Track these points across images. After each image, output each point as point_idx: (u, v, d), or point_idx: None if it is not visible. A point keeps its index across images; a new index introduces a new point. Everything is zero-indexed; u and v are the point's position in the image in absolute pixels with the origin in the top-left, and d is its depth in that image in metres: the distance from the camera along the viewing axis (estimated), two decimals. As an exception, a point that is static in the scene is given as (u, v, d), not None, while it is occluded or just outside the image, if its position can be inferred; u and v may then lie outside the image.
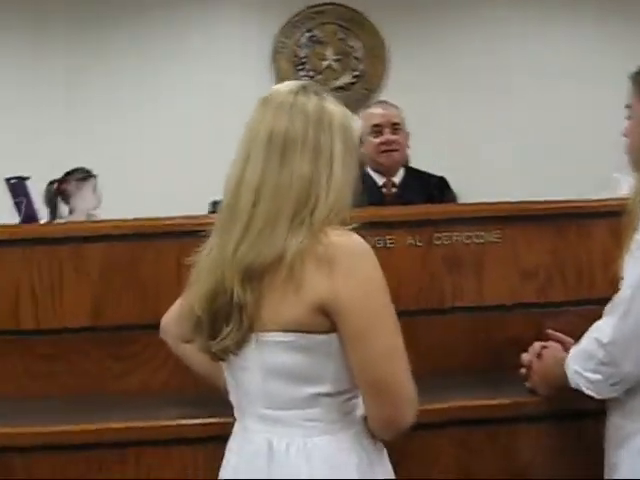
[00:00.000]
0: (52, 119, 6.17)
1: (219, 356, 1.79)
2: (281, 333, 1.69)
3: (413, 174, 3.87)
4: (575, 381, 1.99)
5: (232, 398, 1.85)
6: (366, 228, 2.59)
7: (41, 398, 2.52)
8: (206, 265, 1.78)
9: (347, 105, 1.81)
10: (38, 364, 2.57)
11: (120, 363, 2.57)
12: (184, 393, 2.40)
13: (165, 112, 6.07)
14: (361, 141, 3.81)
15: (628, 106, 2.09)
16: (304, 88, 1.80)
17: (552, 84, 6.09)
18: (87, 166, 4.91)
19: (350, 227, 1.74)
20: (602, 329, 1.93)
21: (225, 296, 1.72)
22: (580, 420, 2.21)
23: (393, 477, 1.86)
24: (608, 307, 1.96)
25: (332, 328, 1.69)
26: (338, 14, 6.24)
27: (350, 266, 1.67)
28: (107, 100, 6.25)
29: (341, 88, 6.24)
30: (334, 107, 1.80)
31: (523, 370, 2.27)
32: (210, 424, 2.11)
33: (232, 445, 1.83)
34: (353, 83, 6.27)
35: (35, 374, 2.57)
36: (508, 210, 2.65)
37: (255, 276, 1.70)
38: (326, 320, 1.68)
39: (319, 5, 6.24)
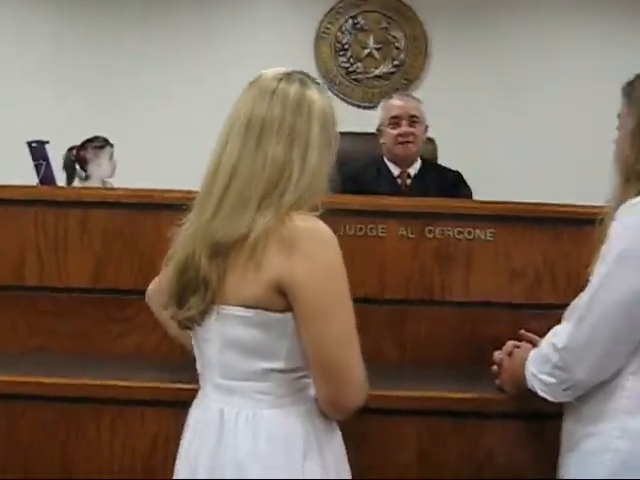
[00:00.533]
0: (77, 92, 6.30)
1: (185, 325, 1.87)
2: (240, 308, 1.77)
3: (430, 167, 3.92)
4: (531, 382, 2.02)
5: (197, 366, 1.93)
6: (359, 215, 2.69)
7: (40, 353, 2.64)
8: (182, 239, 1.86)
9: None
10: (40, 320, 2.68)
11: (117, 325, 2.69)
12: (171, 358, 2.48)
13: (201, 95, 6.10)
14: (379, 131, 3.87)
15: (619, 116, 2.12)
16: (288, 75, 1.86)
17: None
18: (106, 135, 5.05)
19: (317, 213, 1.79)
20: (559, 334, 1.96)
21: (194, 268, 1.80)
22: (542, 421, 2.24)
23: (343, 460, 1.91)
24: (567, 312, 2.00)
25: (288, 308, 1.76)
26: (382, 3, 6.26)
27: (309, 250, 1.73)
28: (139, 84, 6.36)
29: (380, 77, 6.28)
30: (316, 95, 1.84)
31: (495, 368, 2.30)
32: (183, 389, 2.18)
33: (192, 410, 1.92)
34: (392, 73, 6.29)
35: (36, 330, 2.69)
36: (501, 210, 2.69)
37: (221, 252, 1.77)
38: (283, 299, 1.75)
39: (365, -7, 6.28)
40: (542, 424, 2.26)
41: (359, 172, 3.85)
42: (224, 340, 1.81)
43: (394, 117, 3.83)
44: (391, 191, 3.64)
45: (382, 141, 3.87)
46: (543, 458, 2.21)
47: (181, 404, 2.01)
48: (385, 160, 3.86)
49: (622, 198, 1.97)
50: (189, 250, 1.82)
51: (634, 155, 1.98)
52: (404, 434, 2.30)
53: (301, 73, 1.89)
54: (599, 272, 1.91)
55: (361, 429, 2.21)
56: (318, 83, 1.91)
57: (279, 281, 1.73)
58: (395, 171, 3.84)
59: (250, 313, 1.76)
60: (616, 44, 6.15)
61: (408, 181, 3.84)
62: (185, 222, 1.88)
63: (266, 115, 1.80)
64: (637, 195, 1.93)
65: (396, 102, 3.91)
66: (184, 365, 2.04)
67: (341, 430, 1.96)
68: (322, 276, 1.74)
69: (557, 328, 1.99)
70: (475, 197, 3.82)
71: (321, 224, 1.77)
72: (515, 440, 2.31)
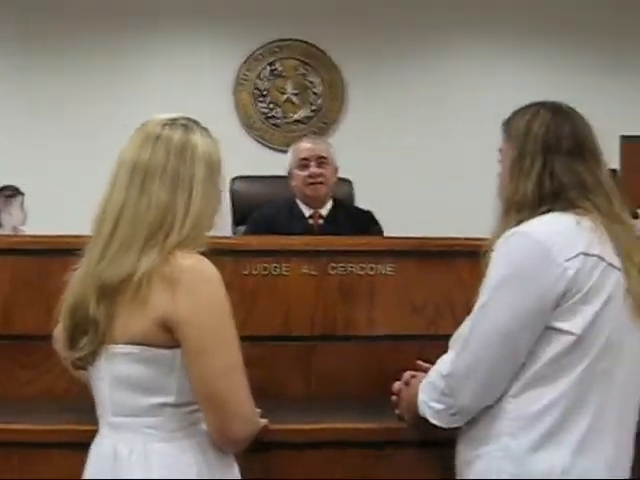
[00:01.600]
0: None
1: (78, 365, 1.92)
2: (128, 346, 1.83)
3: (341, 207, 4.00)
4: (422, 410, 2.08)
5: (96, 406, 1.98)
6: (263, 255, 2.75)
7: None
8: (73, 282, 1.92)
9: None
10: (-51, 368, 2.68)
11: (25, 371, 2.70)
12: (82, 400, 2.50)
13: (118, 142, 6.09)
14: (290, 174, 3.96)
15: (500, 151, 2.22)
16: (173, 121, 1.93)
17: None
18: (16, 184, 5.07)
19: (200, 251, 1.86)
20: (444, 362, 2.03)
21: (83, 310, 1.86)
22: (440, 448, 2.26)
23: None
24: (452, 341, 2.07)
25: (176, 344, 1.82)
26: (300, 50, 6.41)
27: (192, 287, 1.80)
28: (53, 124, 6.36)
29: (299, 121, 6.40)
30: (200, 140, 1.92)
31: (394, 398, 2.35)
32: (89, 430, 2.19)
33: (91, 450, 1.97)
34: (311, 117, 6.42)
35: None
36: (400, 245, 2.78)
37: (108, 293, 1.83)
38: (169, 336, 1.81)
39: (282, 40, 6.39)
40: (441, 450, 2.28)
41: (273, 214, 3.93)
42: (114, 378, 1.86)
43: (303, 159, 3.90)
44: (303, 231, 3.73)
45: (293, 184, 3.95)
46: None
47: (87, 445, 2.02)
48: (297, 201, 3.94)
49: (503, 229, 2.05)
50: (79, 293, 1.88)
51: (513, 187, 2.07)
52: (307, 467, 2.33)
53: (186, 119, 1.97)
54: (479, 301, 2.00)
55: (264, 464, 2.26)
56: (204, 128, 1.98)
57: (164, 318, 1.79)
58: (307, 212, 3.92)
59: (137, 350, 1.82)
60: (528, 85, 6.34)
61: (320, 221, 3.92)
62: (79, 266, 1.94)
63: (150, 160, 1.87)
64: (516, 226, 2.02)
65: (305, 145, 3.98)
66: (94, 407, 2.05)
67: (244, 465, 2.01)
68: (204, 312, 1.80)
69: (443, 357, 2.06)
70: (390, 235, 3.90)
71: (204, 261, 1.84)
72: (416, 467, 2.36)
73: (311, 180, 3.88)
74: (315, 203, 3.93)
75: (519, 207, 2.05)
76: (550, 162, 2.03)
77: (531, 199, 2.02)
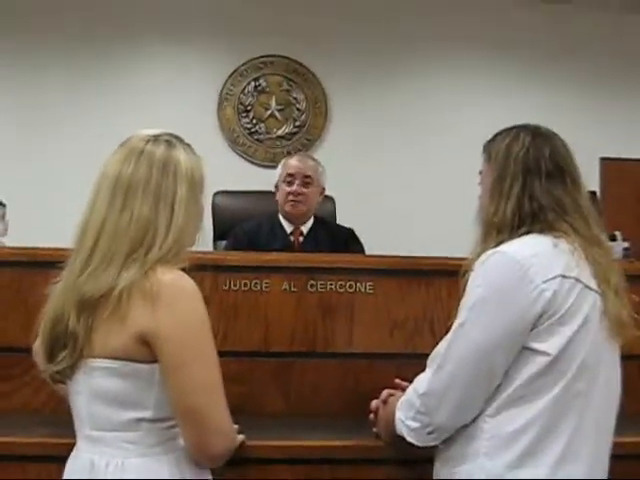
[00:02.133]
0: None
1: (57, 379, 1.92)
2: (107, 360, 1.83)
3: (322, 224, 4.02)
4: (399, 428, 2.09)
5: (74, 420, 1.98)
6: (243, 271, 2.76)
7: None
8: (53, 295, 1.92)
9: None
10: None
11: (4, 383, 2.70)
12: (60, 413, 2.50)
13: (102, 157, 6.09)
14: (276, 187, 3.98)
15: (480, 172, 2.24)
16: (156, 137, 1.94)
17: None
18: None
19: (180, 267, 1.86)
20: (421, 380, 2.04)
21: (63, 324, 1.86)
22: (418, 466, 2.29)
23: None
24: (429, 359, 2.07)
25: (155, 359, 1.82)
26: (284, 66, 6.43)
27: (171, 302, 1.81)
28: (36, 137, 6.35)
29: (282, 137, 6.42)
30: (183, 156, 1.93)
31: (372, 416, 2.36)
32: (64, 444, 2.19)
33: (68, 463, 1.96)
34: (294, 133, 6.44)
35: None
36: (379, 263, 2.80)
37: (88, 308, 1.84)
38: (148, 350, 1.81)
39: (266, 56, 6.42)
40: (418, 469, 2.30)
41: (254, 229, 3.94)
42: (92, 392, 1.86)
43: (289, 175, 3.93)
44: (284, 247, 3.75)
45: (277, 198, 3.98)
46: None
47: (64, 459, 2.02)
48: (280, 217, 3.96)
49: (482, 250, 2.07)
50: (59, 306, 1.88)
51: (493, 209, 2.09)
52: (283, 482, 2.35)
53: (170, 135, 1.98)
54: (457, 320, 2.01)
55: (240, 479, 2.27)
56: (187, 144, 1.99)
57: (143, 333, 1.80)
58: (288, 228, 3.94)
59: (116, 364, 1.82)
60: (509, 106, 6.38)
61: (300, 238, 3.94)
62: (60, 279, 1.94)
63: (132, 175, 1.87)
64: (495, 247, 2.04)
65: (293, 162, 4.01)
66: (72, 420, 2.04)
67: (220, 482, 2.02)
68: (183, 327, 1.81)
69: (420, 375, 2.07)
70: (372, 253, 3.92)
71: (184, 277, 1.85)
72: (394, 485, 2.38)
73: (292, 198, 3.90)
74: (294, 220, 3.96)
75: (499, 228, 2.07)
76: (530, 184, 2.06)
77: (510, 220, 2.05)
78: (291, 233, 3.94)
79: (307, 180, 3.94)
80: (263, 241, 3.79)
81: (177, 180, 1.89)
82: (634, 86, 6.75)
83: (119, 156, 1.92)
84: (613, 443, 2.07)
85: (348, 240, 3.93)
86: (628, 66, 6.73)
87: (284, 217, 3.95)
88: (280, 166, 4.03)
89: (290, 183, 3.92)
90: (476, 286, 2.00)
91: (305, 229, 3.96)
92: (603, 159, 6.49)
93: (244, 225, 4.00)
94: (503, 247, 2.01)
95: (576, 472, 1.95)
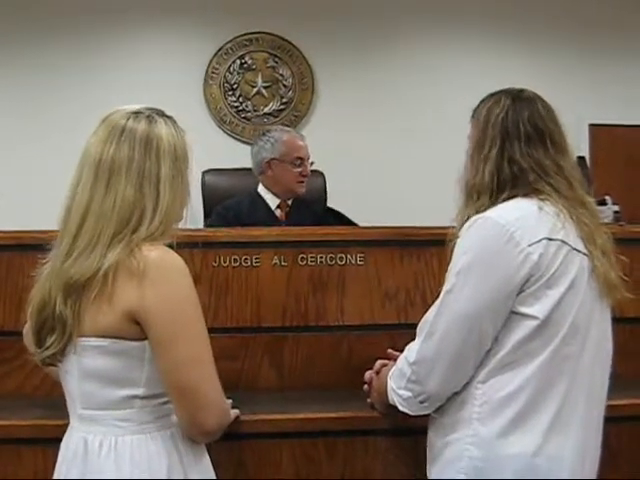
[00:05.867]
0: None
1: (47, 362, 1.92)
2: (97, 339, 1.82)
3: (301, 201, 4.08)
4: (391, 397, 2.09)
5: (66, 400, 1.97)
6: (233, 247, 2.76)
7: None
8: (40, 279, 1.91)
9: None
10: None
11: (-3, 367, 2.69)
12: (54, 396, 2.50)
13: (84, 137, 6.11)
14: (274, 161, 3.96)
15: (468, 137, 2.23)
16: (137, 113, 1.92)
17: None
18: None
19: (169, 243, 1.85)
20: (411, 349, 2.04)
21: (50, 308, 1.85)
22: (413, 436, 2.30)
23: None
24: (419, 328, 2.07)
25: (144, 336, 1.82)
26: (269, 42, 6.37)
27: (158, 278, 1.80)
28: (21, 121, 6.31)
29: (269, 114, 6.38)
30: (165, 131, 1.91)
31: (366, 387, 2.37)
32: (60, 425, 2.19)
33: (62, 443, 1.96)
34: (281, 110, 6.39)
35: None
36: (369, 234, 2.80)
37: (74, 291, 1.83)
38: (137, 328, 1.81)
39: (251, 33, 6.36)
40: (415, 439, 2.30)
41: (235, 207, 3.98)
42: (82, 371, 1.86)
43: (299, 157, 4.00)
44: (269, 221, 3.81)
45: (278, 173, 3.98)
46: (417, 472, 2.26)
47: (58, 441, 2.02)
48: (261, 193, 4.01)
49: (463, 216, 2.08)
50: (45, 290, 1.87)
51: (473, 172, 2.10)
52: (278, 457, 2.36)
53: (151, 109, 1.95)
54: (444, 287, 2.01)
55: (235, 455, 2.28)
56: (169, 117, 1.96)
57: (131, 310, 1.79)
58: (273, 203, 3.98)
59: (106, 342, 1.81)
60: (497, 75, 6.36)
61: (284, 213, 4.00)
62: (47, 260, 1.93)
63: (115, 156, 1.86)
64: (476, 213, 2.03)
65: (299, 142, 4.08)
66: (65, 403, 2.03)
67: (215, 456, 2.02)
68: (171, 303, 1.80)
69: (411, 344, 2.07)
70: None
71: (169, 253, 1.84)
72: (389, 456, 2.38)
73: (302, 179, 4.00)
74: (290, 197, 4.02)
75: (478, 192, 2.08)
76: (509, 147, 2.06)
77: (489, 183, 2.05)
78: (277, 207, 3.99)
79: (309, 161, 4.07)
80: (245, 218, 3.81)
81: (160, 158, 1.87)
82: (625, 53, 6.71)
83: (100, 135, 1.89)
84: (607, 406, 2.08)
85: (325, 213, 4.10)
86: (619, 33, 6.70)
87: (278, 193, 3.99)
88: (282, 144, 4.01)
89: (299, 165, 3.99)
90: (462, 252, 2.00)
91: (289, 201, 4.03)
92: (592, 125, 6.48)
93: (224, 204, 4.03)
94: (487, 212, 2.00)
95: (569, 435, 1.96)
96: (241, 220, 3.73)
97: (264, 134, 4.12)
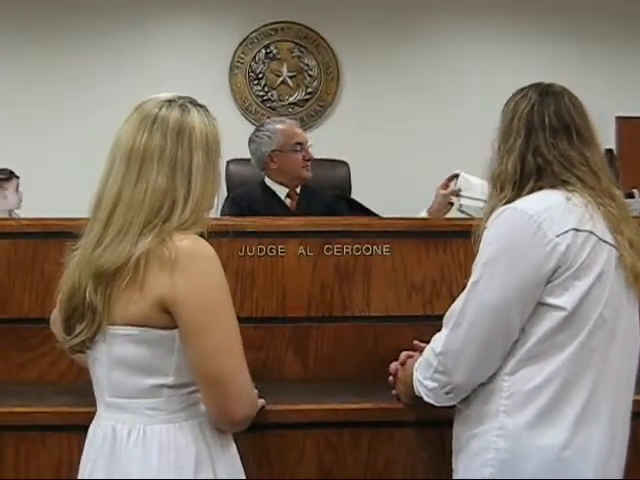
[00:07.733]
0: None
1: (75, 350, 1.92)
2: (127, 327, 1.82)
3: (309, 189, 4.06)
4: (417, 389, 2.08)
5: (93, 387, 1.98)
6: (259, 236, 2.75)
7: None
8: (70, 267, 1.91)
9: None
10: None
11: (22, 354, 2.70)
12: (79, 384, 2.50)
13: (114, 126, 6.12)
14: (277, 153, 3.95)
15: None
16: (170, 102, 1.90)
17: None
18: (11, 167, 5.05)
19: (199, 232, 1.85)
20: (438, 339, 2.04)
21: (79, 296, 1.85)
22: (439, 428, 2.28)
23: (238, 470, 1.97)
24: (445, 318, 2.06)
25: (174, 325, 1.81)
26: (295, 32, 6.40)
27: (189, 267, 1.79)
28: (49, 107, 6.34)
29: (295, 104, 6.39)
30: (197, 121, 1.89)
31: (391, 378, 2.35)
32: (86, 412, 2.19)
33: (89, 431, 1.96)
34: (307, 99, 6.42)
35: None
36: (396, 225, 2.78)
37: (105, 279, 1.82)
38: (167, 317, 1.81)
39: (277, 23, 6.38)
40: (440, 431, 2.29)
41: (247, 196, 3.97)
42: (112, 359, 1.86)
43: (298, 143, 3.97)
44: (282, 211, 3.83)
45: (282, 164, 3.95)
46: (442, 464, 2.25)
47: (84, 428, 2.03)
48: (269, 183, 4.00)
49: (489, 207, 2.08)
50: (75, 278, 1.87)
51: (497, 163, 2.10)
52: (303, 447, 2.34)
53: (184, 98, 1.94)
54: (471, 278, 2.00)
55: (259, 445, 2.27)
56: (202, 106, 1.95)
57: (162, 299, 1.79)
58: (281, 193, 3.97)
59: (136, 331, 1.81)
60: (526, 67, 6.32)
61: (296, 198, 3.99)
62: (77, 248, 1.93)
63: (147, 145, 1.84)
64: (504, 203, 2.02)
65: (296, 130, 4.06)
66: (91, 390, 2.04)
67: (242, 445, 2.01)
68: (201, 291, 1.80)
69: (437, 334, 2.07)
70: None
71: (200, 242, 1.83)
72: (414, 448, 2.37)
73: (306, 163, 3.96)
74: (298, 184, 4.01)
75: (502, 182, 2.07)
76: (534, 139, 2.05)
77: (512, 174, 2.05)
78: (287, 196, 3.98)
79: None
80: (259, 208, 3.80)
81: (192, 147, 1.86)
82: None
83: (133, 124, 1.88)
84: (634, 400, 2.06)
85: (333, 198, 4.02)
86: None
87: (286, 182, 3.97)
88: (280, 134, 3.99)
89: (301, 150, 3.97)
90: (489, 243, 1.99)
91: (298, 190, 4.02)
92: (619, 118, 6.44)
93: (237, 192, 4.03)
94: (515, 203, 2.00)
95: (597, 427, 1.94)
96: (255, 210, 3.73)
97: (258, 129, 4.11)
